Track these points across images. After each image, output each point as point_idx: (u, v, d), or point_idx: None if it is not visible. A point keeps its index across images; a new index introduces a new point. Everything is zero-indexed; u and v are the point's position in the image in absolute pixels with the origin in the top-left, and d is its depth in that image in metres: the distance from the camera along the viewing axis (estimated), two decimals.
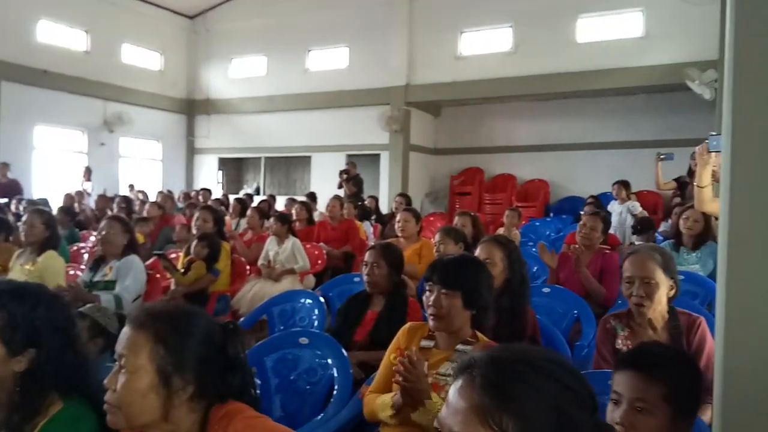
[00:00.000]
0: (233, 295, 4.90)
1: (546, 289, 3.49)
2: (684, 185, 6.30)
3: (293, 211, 6.89)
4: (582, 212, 6.54)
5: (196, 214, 5.15)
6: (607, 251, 4.04)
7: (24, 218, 3.94)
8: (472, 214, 4.68)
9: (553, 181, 11.76)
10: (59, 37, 11.76)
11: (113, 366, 2.20)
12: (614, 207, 5.99)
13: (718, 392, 1.13)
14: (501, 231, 5.68)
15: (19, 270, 3.77)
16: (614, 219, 6.20)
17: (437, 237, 3.71)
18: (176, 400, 1.26)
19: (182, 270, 4.62)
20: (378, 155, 12.26)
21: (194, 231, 5.05)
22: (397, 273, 2.98)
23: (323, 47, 12.86)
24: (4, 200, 8.74)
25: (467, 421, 0.85)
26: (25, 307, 1.46)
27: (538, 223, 8.65)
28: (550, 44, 10.47)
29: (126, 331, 1.29)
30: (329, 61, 12.79)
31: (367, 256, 2.97)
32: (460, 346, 1.98)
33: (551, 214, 10.55)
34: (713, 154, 2.45)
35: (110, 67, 12.61)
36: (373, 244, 3.16)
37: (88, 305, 2.40)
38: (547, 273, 4.85)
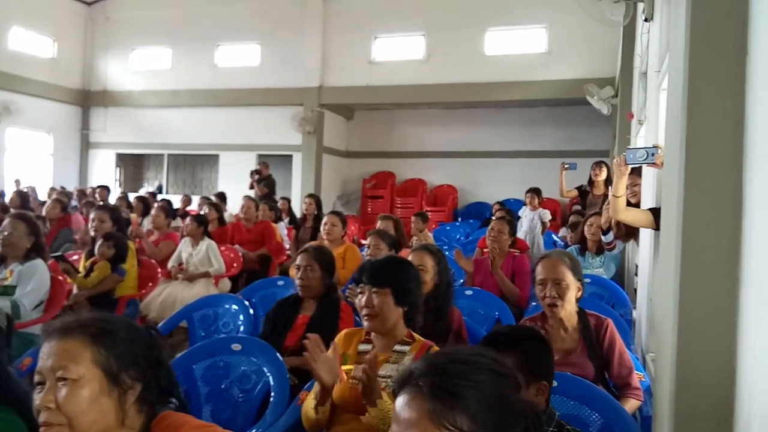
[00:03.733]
0: (143, 299, 4.64)
1: (469, 292, 3.61)
2: (585, 194, 6.74)
3: (202, 212, 6.62)
4: (493, 217, 6.84)
5: (92, 214, 4.74)
6: (517, 254, 4.26)
7: None
8: (395, 218, 4.74)
9: (461, 187, 12.17)
10: None
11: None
12: (526, 213, 6.31)
13: (668, 395, 1.22)
14: (414, 238, 5.76)
15: None
16: (525, 224, 6.51)
17: (371, 240, 3.72)
18: (128, 400, 1.22)
19: (84, 273, 4.31)
20: (290, 156, 12.09)
21: (91, 232, 4.66)
22: (329, 276, 2.97)
23: (233, 42, 12.49)
24: None
25: (424, 429, 0.88)
26: None
27: (448, 227, 8.92)
28: (461, 55, 10.85)
29: (52, 344, 1.21)
30: (240, 58, 12.43)
31: (299, 260, 2.93)
32: (397, 347, 2.05)
33: (459, 219, 10.91)
34: (629, 166, 2.65)
35: None
36: (304, 247, 3.11)
37: None
38: (464, 276, 5.02)
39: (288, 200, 9.29)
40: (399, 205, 11.82)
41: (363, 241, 7.49)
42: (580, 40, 9.79)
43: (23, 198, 7.29)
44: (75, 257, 4.85)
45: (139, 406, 1.25)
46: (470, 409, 0.88)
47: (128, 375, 1.23)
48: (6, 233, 3.29)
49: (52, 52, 13.01)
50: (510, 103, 11.14)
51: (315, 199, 6.91)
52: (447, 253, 5.63)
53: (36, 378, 1.19)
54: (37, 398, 1.16)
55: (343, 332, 2.21)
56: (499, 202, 8.50)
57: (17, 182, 10.74)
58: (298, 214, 8.69)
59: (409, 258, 2.84)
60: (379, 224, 4.60)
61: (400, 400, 0.93)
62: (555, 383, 1.97)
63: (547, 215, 6.55)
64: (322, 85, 11.66)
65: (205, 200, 8.22)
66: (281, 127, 11.75)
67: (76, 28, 13.46)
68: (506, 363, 1.03)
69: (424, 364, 0.95)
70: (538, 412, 1.03)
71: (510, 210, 6.93)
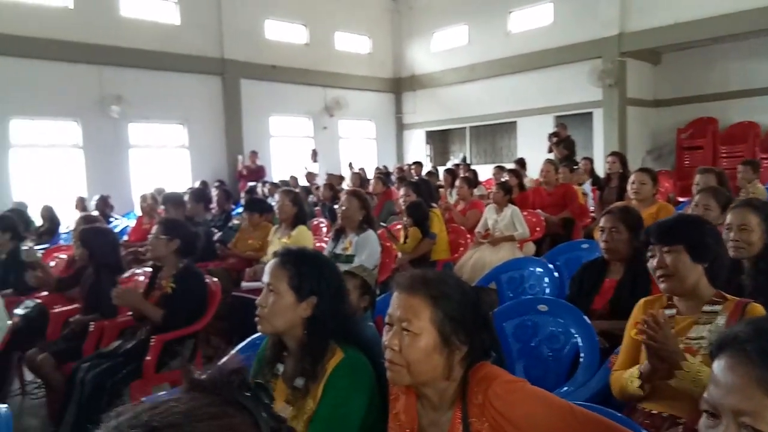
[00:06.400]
0: (455, 263, 5.08)
1: None
2: None
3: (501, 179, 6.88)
4: None
5: (401, 190, 5.64)
6: None
7: (274, 199, 4.55)
8: (717, 170, 4.17)
9: None
10: (283, 33, 13.12)
11: (372, 323, 2.44)
12: None
13: None
14: (742, 192, 4.98)
15: (278, 243, 4.36)
16: None
17: (698, 199, 3.36)
18: (455, 359, 1.36)
19: (403, 239, 4.93)
20: (590, 113, 11.55)
21: (401, 204, 5.59)
22: (637, 238, 2.80)
23: (525, 6, 12.42)
24: (253, 183, 10.14)
25: (751, 396, 0.84)
26: (308, 264, 1.74)
27: None
28: None
29: (400, 296, 1.40)
30: (532, 20, 12.33)
31: (603, 221, 2.84)
32: (706, 307, 1.88)
33: None
34: None
35: (327, 55, 13.72)
36: (608, 208, 3.00)
37: (355, 265, 2.71)
38: None
39: (590, 160, 8.90)
40: (724, 155, 10.28)
41: (680, 199, 6.78)
42: None
43: (361, 178, 8.78)
44: (398, 227, 5.57)
45: (463, 362, 1.39)
46: None
47: (457, 338, 1.36)
48: (344, 208, 3.99)
49: (368, 48, 14.89)
50: None
51: (619, 156, 6.53)
52: None
53: (387, 319, 1.42)
54: (386, 337, 1.39)
55: (641, 301, 2.08)
56: None
57: (350, 165, 12.66)
58: (601, 174, 8.27)
59: (728, 218, 2.51)
60: (697, 178, 4.10)
61: (721, 364, 0.89)
62: None
63: None
64: (623, 31, 10.75)
65: (500, 169, 8.48)
66: (577, 84, 11.27)
67: (384, 23, 15.12)
68: None
69: (752, 328, 0.89)
70: None
71: None
